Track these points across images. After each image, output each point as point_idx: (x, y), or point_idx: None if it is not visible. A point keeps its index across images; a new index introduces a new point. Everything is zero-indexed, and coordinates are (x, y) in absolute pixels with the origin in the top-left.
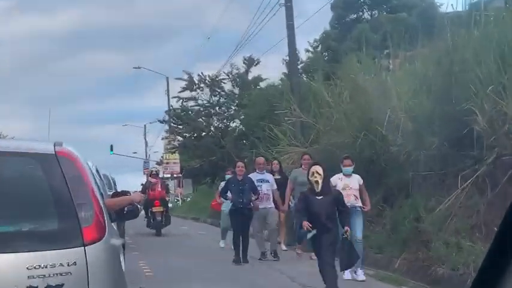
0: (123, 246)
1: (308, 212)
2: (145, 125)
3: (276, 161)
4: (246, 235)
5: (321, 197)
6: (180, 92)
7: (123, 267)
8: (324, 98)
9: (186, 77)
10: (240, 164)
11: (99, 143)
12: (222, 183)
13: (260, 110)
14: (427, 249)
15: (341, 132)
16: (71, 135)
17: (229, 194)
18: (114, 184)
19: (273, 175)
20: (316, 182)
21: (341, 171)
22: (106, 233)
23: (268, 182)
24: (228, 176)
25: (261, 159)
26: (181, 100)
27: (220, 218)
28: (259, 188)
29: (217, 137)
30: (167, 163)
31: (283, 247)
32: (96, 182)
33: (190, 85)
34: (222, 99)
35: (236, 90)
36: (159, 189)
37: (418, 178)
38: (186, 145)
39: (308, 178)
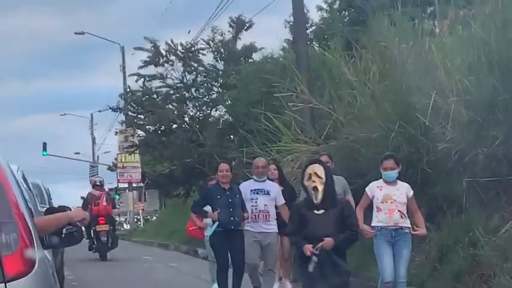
0: (61, 282)
1: (302, 234)
2: (92, 115)
3: (272, 165)
4: (240, 269)
5: (322, 211)
6: (140, 67)
7: None
8: (343, 76)
9: (149, 46)
10: (224, 166)
11: (27, 140)
12: None
13: (253, 92)
14: (487, 286)
15: (368, 124)
16: None
17: (208, 209)
18: (49, 197)
19: None
20: (315, 188)
21: (380, 177)
22: (36, 265)
23: (268, 194)
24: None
25: (260, 161)
26: (142, 79)
27: (206, 248)
28: (253, 203)
29: (193, 131)
30: (123, 167)
31: (288, 286)
32: (22, 194)
33: (156, 58)
34: (200, 78)
35: (220, 65)
36: (104, 203)
37: (475, 187)
38: (150, 143)
39: (303, 183)
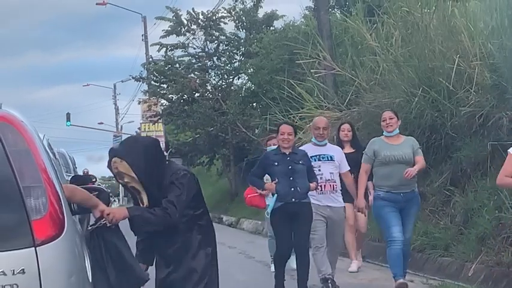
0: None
1: None
2: (114, 85)
3: (346, 125)
4: (304, 252)
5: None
6: (162, 37)
7: (89, 278)
8: (365, 42)
9: (171, 15)
10: (286, 128)
11: (51, 111)
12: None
13: (276, 60)
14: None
15: (391, 89)
16: (11, 99)
17: (267, 180)
18: (74, 165)
19: (342, 148)
20: (134, 189)
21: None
22: (65, 228)
23: (332, 160)
24: (272, 149)
25: (321, 120)
26: (164, 48)
27: (266, 221)
28: (317, 171)
29: (216, 99)
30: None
31: (353, 267)
32: (50, 160)
33: (177, 27)
34: (222, 47)
35: (242, 34)
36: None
37: (499, 150)
38: (173, 112)
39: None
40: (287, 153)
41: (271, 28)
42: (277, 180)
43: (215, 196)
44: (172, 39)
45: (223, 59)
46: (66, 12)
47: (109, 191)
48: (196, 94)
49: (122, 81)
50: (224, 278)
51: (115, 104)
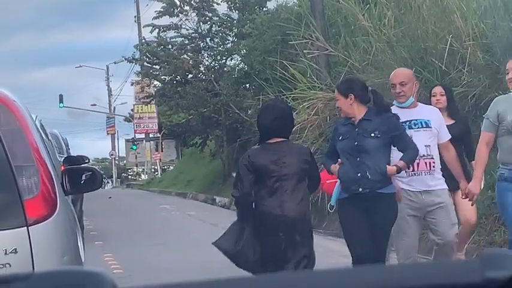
0: (81, 229)
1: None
2: (107, 66)
3: (438, 88)
4: (379, 262)
5: None
6: (155, 18)
7: (82, 258)
8: (358, 22)
9: None
10: (399, 75)
11: (44, 93)
12: None
13: (269, 41)
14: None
15: (383, 69)
16: (3, 80)
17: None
18: (67, 146)
19: None
20: None
21: None
22: (58, 208)
23: (429, 126)
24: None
25: (398, 74)
26: (157, 30)
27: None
28: None
29: (209, 80)
30: (140, 118)
31: None
32: (42, 140)
33: (170, 8)
34: (215, 28)
35: (235, 15)
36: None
37: None
38: (166, 93)
39: None
40: (356, 122)
41: (264, 9)
42: (340, 161)
43: (208, 177)
44: (165, 21)
45: (216, 40)
46: None
47: (102, 172)
48: (189, 75)
49: (115, 63)
50: (219, 259)
51: (108, 86)
